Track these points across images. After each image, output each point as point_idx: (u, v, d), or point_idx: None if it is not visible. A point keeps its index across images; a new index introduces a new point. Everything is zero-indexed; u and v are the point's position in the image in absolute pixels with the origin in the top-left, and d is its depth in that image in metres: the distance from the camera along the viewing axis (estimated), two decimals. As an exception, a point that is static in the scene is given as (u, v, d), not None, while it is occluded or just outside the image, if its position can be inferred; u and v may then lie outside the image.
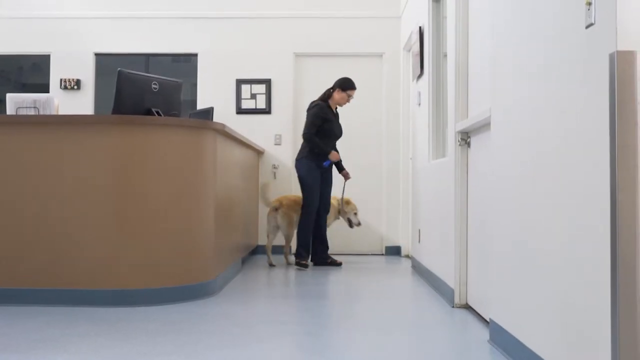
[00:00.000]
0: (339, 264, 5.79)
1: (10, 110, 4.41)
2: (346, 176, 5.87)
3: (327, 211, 5.80)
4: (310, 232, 5.68)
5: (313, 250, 5.81)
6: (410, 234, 6.42)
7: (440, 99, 4.85)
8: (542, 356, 2.27)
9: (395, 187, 6.87)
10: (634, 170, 1.64)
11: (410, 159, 6.30)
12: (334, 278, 5.12)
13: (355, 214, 6.05)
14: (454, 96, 3.96)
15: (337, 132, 5.79)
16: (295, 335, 3.11)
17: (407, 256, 6.65)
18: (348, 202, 6.06)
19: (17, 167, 3.79)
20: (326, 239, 5.86)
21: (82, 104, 6.99)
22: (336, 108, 5.83)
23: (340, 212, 6.08)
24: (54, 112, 4.45)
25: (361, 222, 6.16)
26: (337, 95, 5.69)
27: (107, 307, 3.69)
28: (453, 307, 3.83)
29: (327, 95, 5.73)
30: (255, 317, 3.50)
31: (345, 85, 5.70)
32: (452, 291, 3.87)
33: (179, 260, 3.92)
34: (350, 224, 6.04)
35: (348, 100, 5.72)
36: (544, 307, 2.26)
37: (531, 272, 2.41)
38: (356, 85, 5.75)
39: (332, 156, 5.67)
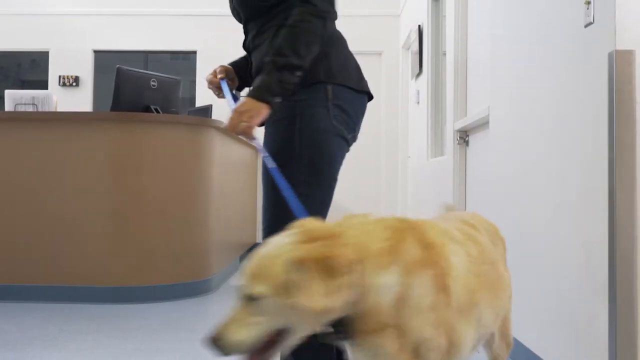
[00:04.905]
0: None
1: (8, 106, 4.41)
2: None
3: None
4: None
5: None
6: (408, 233, 6.41)
7: (439, 97, 4.85)
8: (540, 355, 2.27)
9: (393, 186, 6.87)
10: (632, 168, 1.64)
11: (409, 157, 6.30)
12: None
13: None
14: (452, 95, 3.95)
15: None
16: (293, 333, 3.11)
17: (405, 255, 6.65)
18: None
19: (15, 163, 3.78)
20: None
21: (81, 100, 6.99)
22: None
23: None
24: (52, 109, 4.44)
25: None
26: None
27: (105, 304, 3.69)
28: (451, 305, 3.83)
29: None
30: (253, 315, 3.49)
31: None
32: (450, 290, 3.87)
33: (177, 258, 3.91)
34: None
35: None
36: (541, 307, 2.26)
37: (529, 272, 2.41)
38: None
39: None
